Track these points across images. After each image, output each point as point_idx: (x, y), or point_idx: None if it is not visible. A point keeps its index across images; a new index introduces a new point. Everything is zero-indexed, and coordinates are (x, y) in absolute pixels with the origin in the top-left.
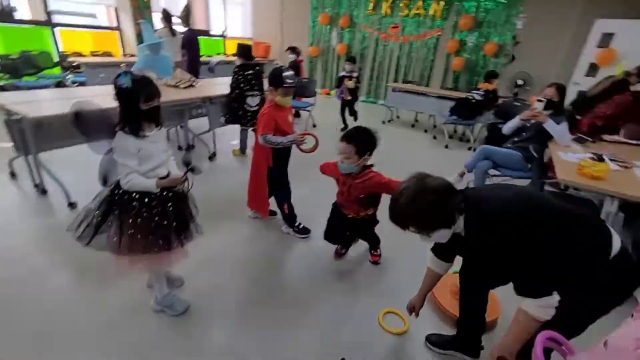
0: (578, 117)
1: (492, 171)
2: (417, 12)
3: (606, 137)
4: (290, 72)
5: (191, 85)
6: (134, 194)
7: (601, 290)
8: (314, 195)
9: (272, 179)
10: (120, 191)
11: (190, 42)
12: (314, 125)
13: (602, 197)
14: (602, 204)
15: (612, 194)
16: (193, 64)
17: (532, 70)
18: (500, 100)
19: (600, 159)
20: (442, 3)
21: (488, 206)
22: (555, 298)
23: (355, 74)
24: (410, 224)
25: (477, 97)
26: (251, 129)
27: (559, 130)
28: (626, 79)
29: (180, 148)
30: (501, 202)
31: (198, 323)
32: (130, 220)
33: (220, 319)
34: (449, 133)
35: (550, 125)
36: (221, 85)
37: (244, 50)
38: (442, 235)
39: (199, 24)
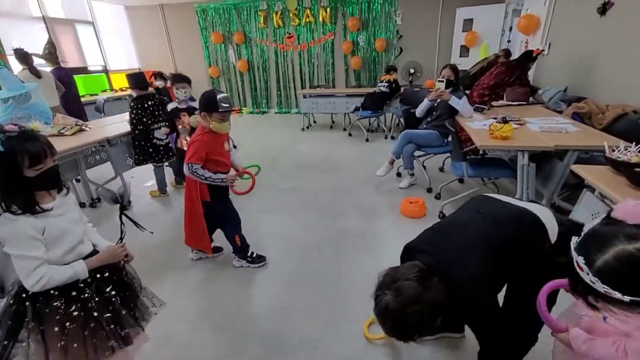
0: (467, 92)
1: (416, 152)
2: (308, 20)
3: (494, 103)
4: (225, 95)
5: (81, 130)
6: (53, 291)
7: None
8: (253, 219)
9: (214, 214)
10: (29, 293)
11: (63, 82)
12: (235, 147)
13: (512, 154)
14: (511, 160)
15: (522, 148)
16: (73, 106)
17: (419, 59)
18: (401, 89)
19: (505, 121)
20: (328, 9)
21: (458, 278)
22: None
23: (194, 104)
24: (416, 335)
25: (383, 89)
26: (166, 164)
27: (462, 104)
28: (496, 59)
29: (83, 205)
30: (465, 268)
31: None
32: (57, 329)
33: None
34: (364, 127)
35: (454, 101)
36: (118, 124)
37: (137, 80)
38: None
39: (71, 61)
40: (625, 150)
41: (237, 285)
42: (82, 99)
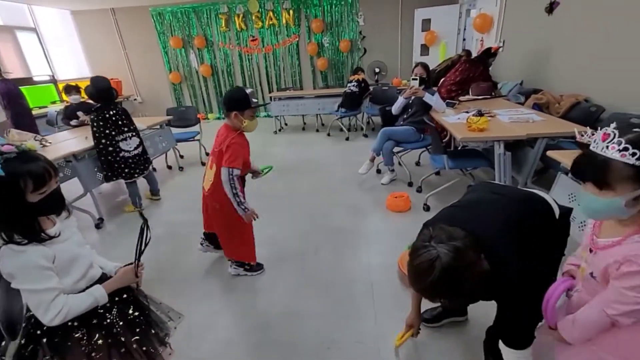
0: (434, 88)
1: (395, 148)
2: (272, 22)
3: (462, 98)
4: (251, 89)
5: (41, 145)
6: (71, 322)
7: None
8: None
9: None
10: (45, 328)
11: (9, 94)
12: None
13: (488, 145)
14: (486, 150)
15: (498, 138)
16: (22, 120)
17: (383, 58)
18: (371, 88)
19: (480, 114)
20: (291, 11)
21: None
22: (529, 351)
23: None
24: (448, 299)
25: (353, 88)
26: (142, 176)
27: (435, 100)
28: (459, 58)
29: None
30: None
31: None
32: None
33: None
34: (339, 127)
35: (428, 98)
36: (79, 137)
37: (103, 89)
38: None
39: (14, 72)
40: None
41: (240, 295)
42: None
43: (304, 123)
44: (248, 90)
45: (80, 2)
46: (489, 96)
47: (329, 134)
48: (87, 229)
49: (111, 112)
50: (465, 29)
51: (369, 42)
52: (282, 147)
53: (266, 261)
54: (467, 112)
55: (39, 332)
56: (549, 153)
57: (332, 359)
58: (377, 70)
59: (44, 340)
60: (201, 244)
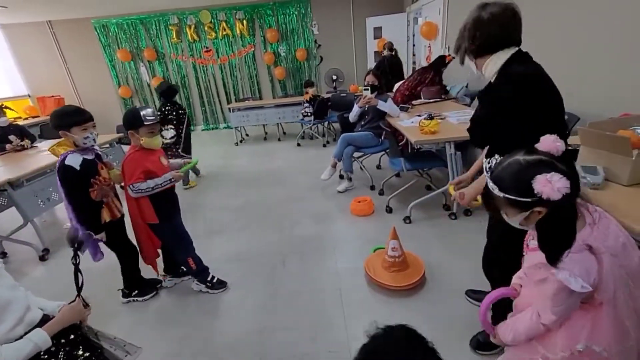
0: (389, 94)
1: (356, 153)
2: (225, 33)
3: (414, 102)
4: (149, 109)
5: None
6: None
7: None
8: (204, 243)
9: (164, 237)
10: None
11: None
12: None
13: (440, 146)
14: (438, 151)
15: (449, 140)
16: None
17: (339, 65)
18: (324, 95)
19: (431, 117)
20: (245, 22)
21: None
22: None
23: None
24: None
25: (307, 109)
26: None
27: (388, 106)
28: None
29: None
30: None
31: None
32: None
33: None
34: (306, 135)
35: (381, 105)
36: (18, 163)
37: (162, 90)
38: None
39: None
40: None
41: (205, 316)
42: None
43: (266, 133)
44: (147, 110)
45: (9, 15)
46: (439, 99)
47: (298, 144)
48: (29, 262)
49: (166, 108)
50: (414, 36)
51: (324, 50)
52: (244, 159)
53: (234, 278)
54: (419, 115)
55: None
56: None
57: None
58: (334, 77)
59: None
60: (163, 281)
